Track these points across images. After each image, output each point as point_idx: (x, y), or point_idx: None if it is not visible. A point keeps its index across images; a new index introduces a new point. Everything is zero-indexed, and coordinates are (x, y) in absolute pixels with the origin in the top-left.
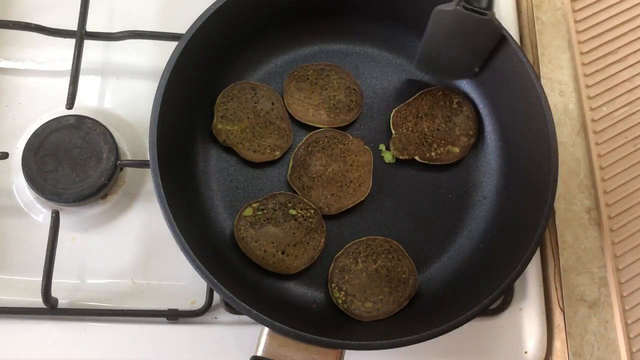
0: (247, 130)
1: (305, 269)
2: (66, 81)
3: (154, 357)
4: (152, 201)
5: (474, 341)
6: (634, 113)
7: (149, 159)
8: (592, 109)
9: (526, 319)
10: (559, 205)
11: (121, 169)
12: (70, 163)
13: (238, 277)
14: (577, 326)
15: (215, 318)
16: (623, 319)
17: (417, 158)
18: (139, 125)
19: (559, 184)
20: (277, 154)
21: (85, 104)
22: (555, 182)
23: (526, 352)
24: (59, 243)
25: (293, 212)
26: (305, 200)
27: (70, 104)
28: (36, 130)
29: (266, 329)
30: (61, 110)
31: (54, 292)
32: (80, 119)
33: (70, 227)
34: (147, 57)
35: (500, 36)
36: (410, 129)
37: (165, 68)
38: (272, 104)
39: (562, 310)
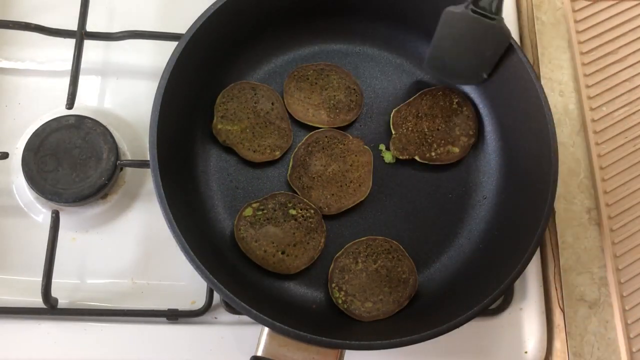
0: (247, 130)
1: (305, 269)
2: (66, 81)
3: (154, 357)
4: (152, 201)
5: (474, 341)
6: (634, 113)
7: (149, 159)
8: (592, 109)
9: (526, 319)
10: (559, 205)
11: (121, 169)
12: (70, 163)
13: (238, 277)
14: (577, 326)
15: (215, 318)
16: (623, 319)
17: (417, 158)
18: (139, 125)
19: (559, 184)
20: (277, 154)
21: (85, 104)
22: (555, 182)
23: (526, 352)
24: (59, 243)
25: (293, 212)
26: (305, 200)
27: (70, 104)
28: (36, 130)
29: (266, 329)
30: (61, 110)
31: (54, 292)
32: (80, 119)
33: (70, 227)
34: (147, 57)
35: (508, 43)
36: (410, 129)
37: (165, 68)
38: (272, 104)
39: (562, 310)
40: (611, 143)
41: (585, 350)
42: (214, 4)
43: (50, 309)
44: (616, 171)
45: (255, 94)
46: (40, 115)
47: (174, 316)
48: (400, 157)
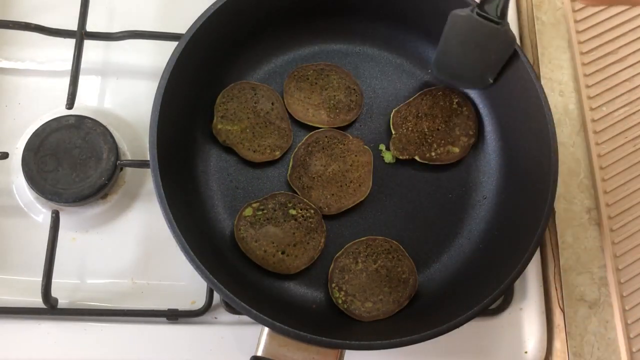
0: (247, 130)
1: (305, 269)
2: (66, 81)
3: (154, 357)
4: (152, 201)
5: (474, 341)
6: (634, 113)
7: (149, 159)
8: (592, 109)
9: (526, 319)
10: (559, 205)
11: (121, 169)
12: (70, 163)
13: (238, 277)
14: (577, 326)
15: (215, 318)
16: (623, 319)
17: (417, 158)
18: (139, 125)
19: (559, 184)
20: (277, 154)
21: (85, 104)
22: (555, 182)
23: (526, 352)
24: (59, 243)
25: (293, 212)
26: (305, 200)
27: (70, 104)
28: (36, 130)
29: (266, 329)
30: (61, 110)
31: (54, 292)
32: (80, 119)
33: (70, 227)
34: (147, 57)
35: (513, 48)
36: (410, 129)
37: (165, 68)
38: (272, 104)
39: (562, 310)
40: (611, 143)
41: (585, 350)
42: (214, 4)
43: (50, 309)
44: (616, 171)
45: (255, 94)
46: (40, 115)
47: (174, 316)
48: (400, 157)
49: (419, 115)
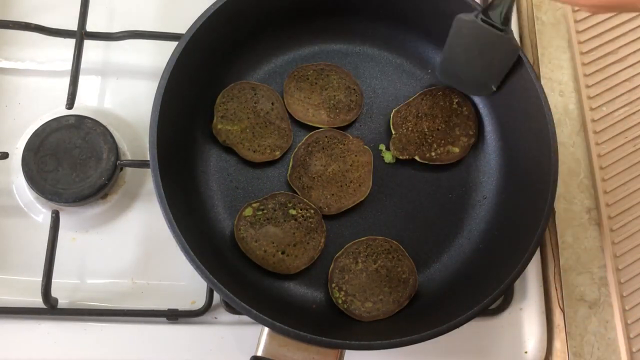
0: (247, 130)
1: (305, 269)
2: (66, 81)
3: (154, 357)
4: (152, 201)
5: (474, 341)
6: (634, 113)
7: (149, 159)
8: (592, 109)
9: (526, 319)
10: (559, 205)
11: (121, 169)
12: (70, 163)
13: (238, 277)
14: (577, 326)
15: (215, 318)
16: (623, 319)
17: (417, 158)
18: (139, 125)
19: (559, 184)
20: (277, 154)
21: (85, 104)
22: (555, 182)
23: (526, 352)
24: (59, 243)
25: (293, 212)
26: (305, 200)
27: (70, 104)
28: (36, 130)
29: (266, 329)
30: (61, 110)
31: (54, 292)
32: (80, 119)
33: (70, 227)
34: (147, 57)
35: (517, 56)
36: (410, 129)
37: (165, 68)
38: (272, 104)
39: (562, 310)
40: (611, 143)
41: (585, 350)
42: (214, 4)
43: (50, 309)
44: (616, 171)
45: (255, 94)
46: (40, 115)
47: (174, 316)
48: (400, 157)
49: (419, 115)
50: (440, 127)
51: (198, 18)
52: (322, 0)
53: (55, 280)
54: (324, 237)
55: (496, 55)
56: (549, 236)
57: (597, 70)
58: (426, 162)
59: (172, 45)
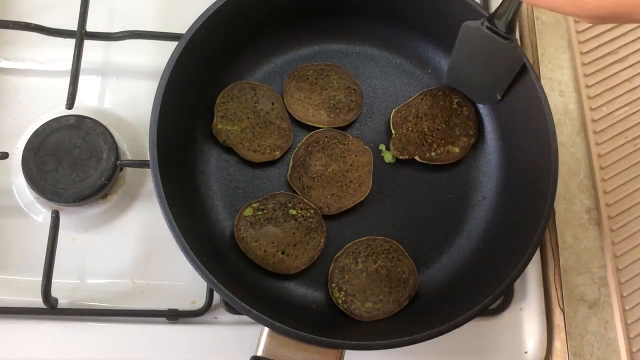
0: (247, 130)
1: (305, 269)
2: (66, 81)
3: (154, 357)
4: (152, 201)
5: (474, 341)
6: (634, 113)
7: (149, 159)
8: (592, 109)
9: (526, 319)
10: (559, 205)
11: (121, 169)
12: (70, 163)
13: (238, 277)
14: (577, 326)
15: (215, 318)
16: (623, 319)
17: (417, 158)
18: (139, 125)
19: (559, 184)
20: (277, 154)
21: (85, 104)
22: (555, 182)
23: (526, 352)
24: (59, 243)
25: (293, 212)
26: (305, 200)
27: (70, 104)
28: (36, 130)
29: (266, 329)
30: (61, 110)
31: (54, 292)
32: (80, 119)
33: (70, 227)
34: (147, 57)
35: (521, 65)
36: (410, 129)
37: (165, 68)
38: (272, 104)
39: (562, 310)
40: (611, 143)
41: (585, 350)
42: (214, 4)
43: (50, 309)
44: (616, 171)
45: (255, 94)
46: (40, 115)
47: (174, 316)
48: (400, 157)
49: (419, 115)
50: (440, 127)
51: (198, 18)
52: (322, 0)
53: (55, 280)
54: (324, 237)
55: (501, 64)
56: (549, 236)
57: (597, 70)
58: (426, 162)
59: (172, 45)
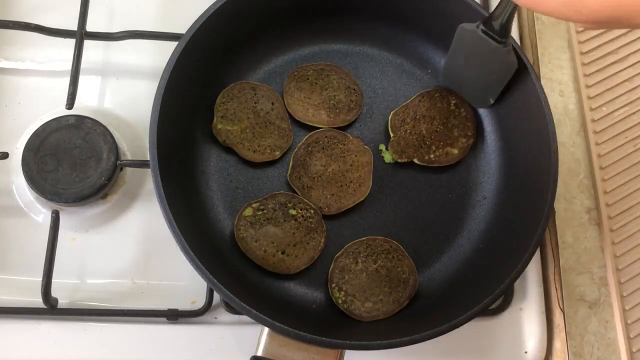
0: (247, 130)
1: (305, 269)
2: (66, 81)
3: (154, 357)
4: (152, 201)
5: (474, 341)
6: (634, 113)
7: (149, 159)
8: (592, 109)
9: (526, 319)
10: (559, 205)
11: (121, 169)
12: (70, 163)
13: (238, 277)
14: (577, 326)
15: (215, 318)
16: (623, 319)
17: (415, 161)
18: (139, 125)
19: (559, 184)
20: (277, 154)
21: (85, 104)
22: (555, 182)
23: (526, 352)
24: (59, 243)
25: (293, 212)
26: (305, 200)
27: (70, 104)
28: (36, 130)
29: (266, 329)
30: (61, 110)
31: (54, 292)
32: (80, 119)
33: (70, 227)
34: (147, 57)
35: (514, 71)
36: (408, 131)
37: (165, 68)
38: (272, 104)
39: (562, 310)
40: (611, 143)
41: (585, 350)
42: (214, 4)
43: (50, 309)
44: (616, 171)
45: (255, 94)
46: (40, 115)
47: (174, 316)
48: (399, 160)
49: (417, 117)
50: (438, 129)
51: (198, 18)
52: (322, 0)
53: (55, 280)
54: (324, 237)
55: (494, 68)
56: (549, 236)
57: (597, 70)
58: (425, 164)
59: (172, 45)
